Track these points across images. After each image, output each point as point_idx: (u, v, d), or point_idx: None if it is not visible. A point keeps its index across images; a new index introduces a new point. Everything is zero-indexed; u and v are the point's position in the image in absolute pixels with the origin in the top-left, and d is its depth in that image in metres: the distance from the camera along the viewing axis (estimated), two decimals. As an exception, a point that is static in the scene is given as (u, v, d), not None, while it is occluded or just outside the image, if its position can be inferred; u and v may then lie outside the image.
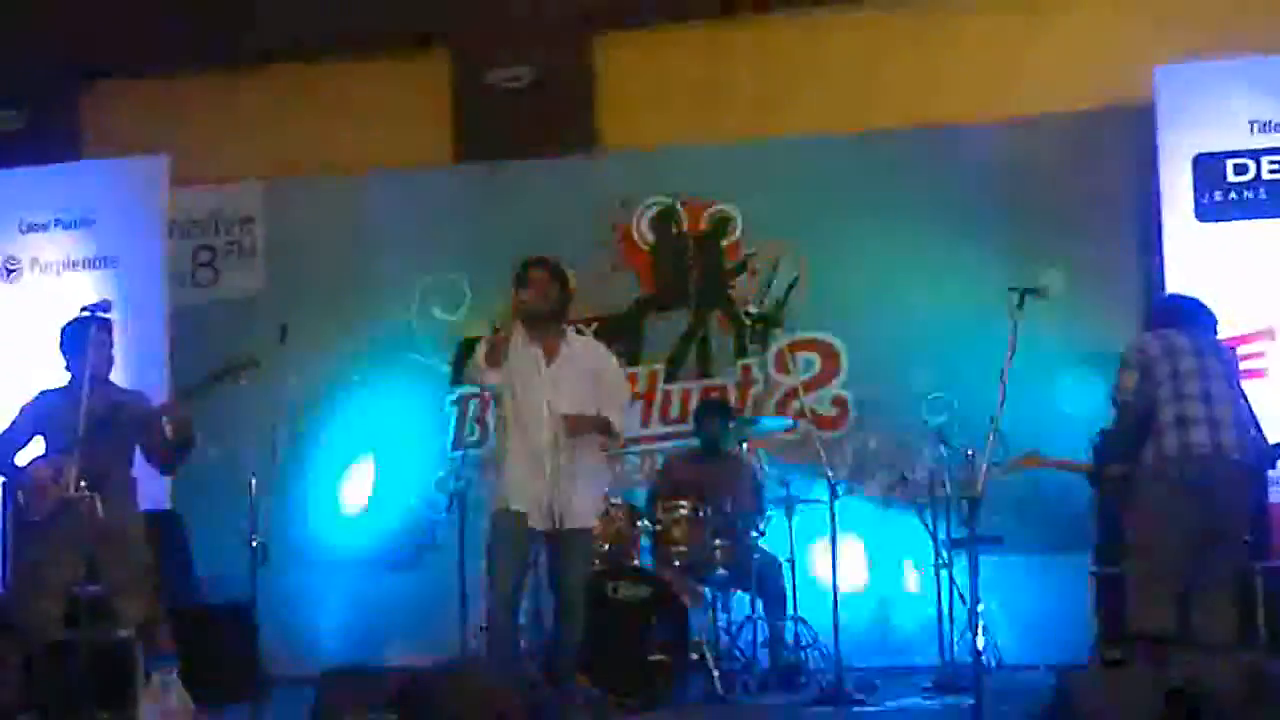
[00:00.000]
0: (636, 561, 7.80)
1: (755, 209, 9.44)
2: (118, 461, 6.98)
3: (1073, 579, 8.10)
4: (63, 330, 7.09)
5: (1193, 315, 6.82)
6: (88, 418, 6.33)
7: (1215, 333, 6.82)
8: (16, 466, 7.13)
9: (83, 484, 6.33)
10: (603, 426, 6.40)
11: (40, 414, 7.07)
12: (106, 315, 6.65)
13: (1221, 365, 6.60)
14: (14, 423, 7.15)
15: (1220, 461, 6.41)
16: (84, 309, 6.59)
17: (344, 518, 9.68)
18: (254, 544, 6.08)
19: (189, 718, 5.31)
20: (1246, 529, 6.68)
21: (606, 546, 7.69)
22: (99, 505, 6.43)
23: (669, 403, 9.47)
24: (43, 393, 7.16)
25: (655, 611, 7.46)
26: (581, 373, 6.45)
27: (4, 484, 7.71)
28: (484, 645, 6.38)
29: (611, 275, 9.44)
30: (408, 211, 9.87)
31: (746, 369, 9.39)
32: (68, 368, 7.05)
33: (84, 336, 6.70)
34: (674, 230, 9.62)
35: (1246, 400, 6.66)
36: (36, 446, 7.12)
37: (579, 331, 6.76)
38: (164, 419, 7.03)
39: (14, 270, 9.53)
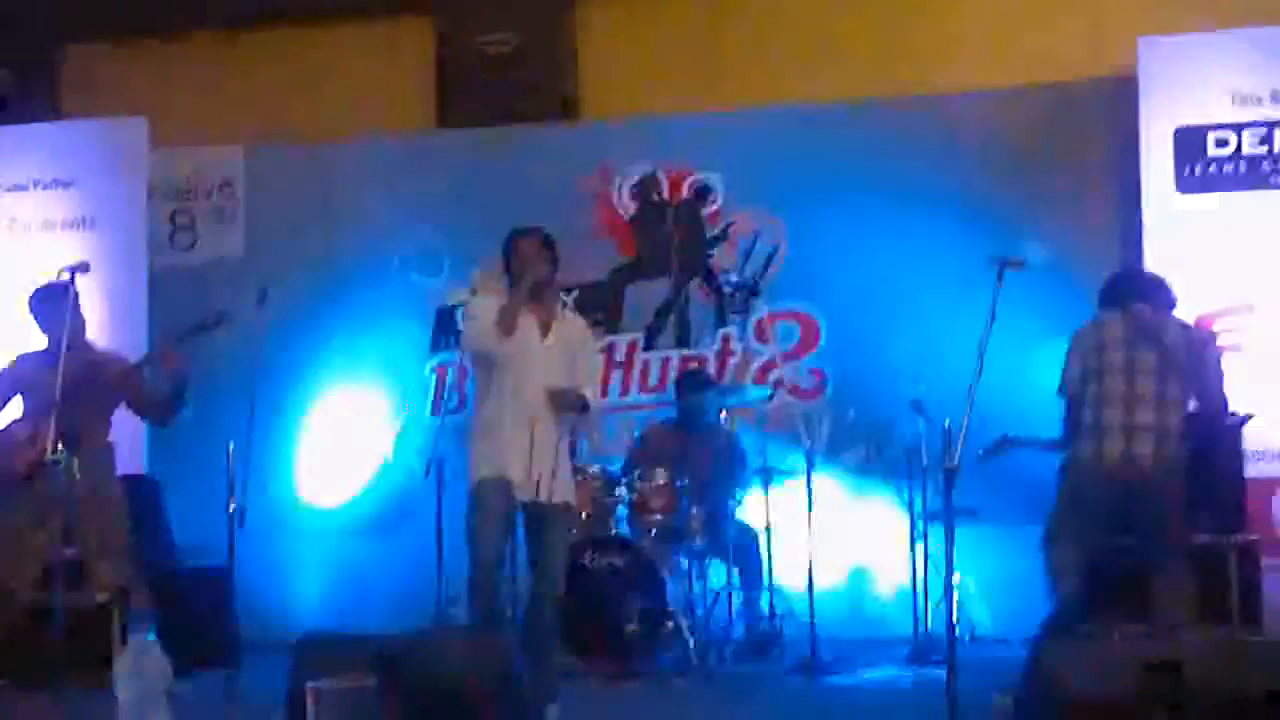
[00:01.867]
0: (613, 530, 7.81)
1: (736, 178, 9.43)
2: (96, 424, 6.99)
3: (1047, 552, 8.11)
4: (35, 294, 7.08)
5: (1144, 293, 6.76)
6: (65, 379, 6.32)
7: (1170, 310, 6.77)
8: (-7, 429, 7.13)
9: (59, 446, 6.31)
10: (582, 405, 6.39)
11: (18, 377, 7.08)
12: (84, 275, 6.61)
13: (1156, 357, 6.54)
14: (-8, 386, 7.15)
15: (1130, 473, 6.44)
16: (63, 270, 6.57)
17: (321, 484, 9.67)
18: (231, 509, 6.07)
19: (165, 682, 5.29)
20: (1169, 525, 6.62)
21: (583, 515, 7.72)
22: (76, 468, 6.42)
23: (648, 371, 9.47)
24: (21, 356, 7.16)
25: (631, 580, 7.49)
26: (567, 348, 6.41)
27: (-19, 447, 7.70)
28: (462, 613, 6.38)
29: (591, 243, 9.41)
30: (388, 177, 9.83)
31: (726, 338, 9.39)
32: (43, 330, 7.04)
33: (61, 299, 6.69)
34: (654, 198, 9.60)
35: (1204, 379, 6.62)
36: (15, 409, 7.12)
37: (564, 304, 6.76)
38: (147, 370, 7.02)
39: (-8, 230, 9.49)
